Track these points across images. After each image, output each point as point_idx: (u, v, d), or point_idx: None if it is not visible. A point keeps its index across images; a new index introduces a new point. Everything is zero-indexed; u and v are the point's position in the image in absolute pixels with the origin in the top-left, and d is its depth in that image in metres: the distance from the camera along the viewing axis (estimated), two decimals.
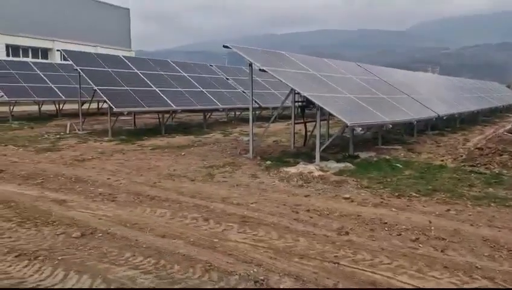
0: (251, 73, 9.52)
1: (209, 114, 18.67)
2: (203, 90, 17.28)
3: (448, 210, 5.76)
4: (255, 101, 17.83)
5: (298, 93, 9.49)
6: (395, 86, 14.57)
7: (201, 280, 3.58)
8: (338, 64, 13.85)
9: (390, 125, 10.70)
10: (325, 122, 12.50)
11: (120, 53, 25.02)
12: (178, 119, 19.97)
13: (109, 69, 14.90)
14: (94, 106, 22.54)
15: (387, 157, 9.94)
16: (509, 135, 14.98)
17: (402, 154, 10.48)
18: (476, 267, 3.90)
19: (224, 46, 9.48)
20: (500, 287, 3.52)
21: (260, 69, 9.14)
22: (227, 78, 20.55)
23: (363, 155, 10.05)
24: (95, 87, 13.68)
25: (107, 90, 13.59)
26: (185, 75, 17.80)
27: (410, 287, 3.50)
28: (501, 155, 10.37)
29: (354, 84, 12.21)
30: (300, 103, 10.42)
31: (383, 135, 13.21)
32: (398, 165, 9.04)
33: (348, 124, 8.22)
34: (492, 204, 6.06)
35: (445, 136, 14.63)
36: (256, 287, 3.45)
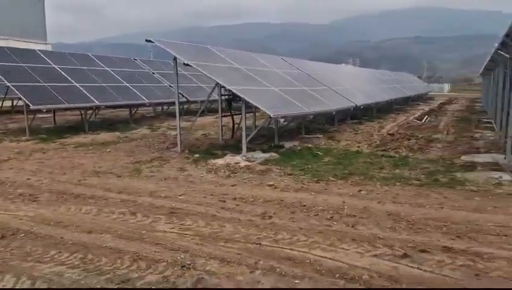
0: (175, 67, 9.56)
1: (135, 109, 18.26)
2: (128, 85, 16.87)
3: (360, 191, 6.37)
4: (182, 95, 17.79)
5: (224, 87, 9.73)
6: (316, 78, 15.38)
7: (129, 269, 3.71)
8: (264, 58, 14.30)
9: (312, 116, 11.36)
10: (252, 114, 12.92)
11: (35, 46, 23.44)
12: (102, 116, 19.26)
13: (24, 64, 13.98)
14: (8, 103, 20.97)
15: (310, 145, 10.57)
16: (417, 121, 16.55)
17: (323, 143, 11.19)
18: (379, 237, 4.45)
19: (147, 41, 9.41)
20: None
21: (185, 63, 9.23)
22: (153, 73, 20.20)
23: (287, 145, 10.58)
24: (8, 84, 12.81)
25: (23, 86, 12.78)
26: (108, 69, 17.21)
27: (328, 259, 3.91)
28: (409, 140, 11.52)
29: (278, 78, 12.73)
30: (227, 97, 10.68)
31: (307, 125, 13.93)
32: (318, 152, 9.68)
33: (272, 116, 8.64)
34: (397, 183, 6.80)
35: (363, 125, 15.78)
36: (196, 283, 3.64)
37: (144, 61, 21.42)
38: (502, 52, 10.43)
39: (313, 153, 9.67)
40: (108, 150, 10.17)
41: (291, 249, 4.12)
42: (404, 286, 3.38)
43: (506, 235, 4.51)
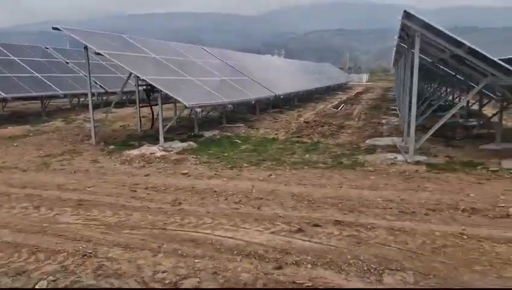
0: (87, 56, 9.22)
1: (48, 101, 17.20)
2: (39, 75, 15.84)
3: (270, 175, 6.72)
4: (101, 86, 17.11)
5: (139, 77, 9.58)
6: (238, 69, 15.62)
7: (26, 261, 3.64)
8: (184, 48, 14.21)
9: (232, 106, 11.59)
10: (173, 105, 12.86)
11: None
12: (11, 109, 17.92)
13: None
14: None
15: (229, 134, 10.80)
16: (333, 109, 17.53)
17: (243, 131, 11.48)
18: (280, 216, 4.78)
19: (54, 28, 8.95)
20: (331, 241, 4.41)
21: (96, 52, 8.94)
22: (67, 62, 19.12)
23: (207, 134, 10.72)
24: None
25: None
26: (16, 59, 16.00)
27: (228, 238, 4.14)
28: (323, 127, 12.22)
29: (198, 68, 12.76)
30: (145, 87, 10.51)
31: (229, 114, 14.16)
32: (237, 140, 9.94)
33: (187, 105, 8.71)
34: (305, 167, 7.27)
35: (283, 113, 16.35)
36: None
37: (57, 50, 20.15)
38: (402, 44, 11.40)
39: (232, 141, 9.92)
40: (15, 144, 9.57)
41: (195, 232, 4.30)
42: (294, 257, 3.71)
43: (390, 208, 5.08)
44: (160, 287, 3.27)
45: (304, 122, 13.02)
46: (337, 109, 17.94)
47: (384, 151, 8.44)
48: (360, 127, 12.22)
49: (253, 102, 13.02)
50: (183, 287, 3.26)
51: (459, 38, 6.82)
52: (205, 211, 5.01)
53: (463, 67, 8.86)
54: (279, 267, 3.52)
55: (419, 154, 7.95)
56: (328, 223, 4.53)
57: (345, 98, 25.69)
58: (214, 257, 3.73)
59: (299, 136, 10.52)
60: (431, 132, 7.70)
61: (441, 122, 7.58)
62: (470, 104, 14.32)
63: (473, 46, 6.69)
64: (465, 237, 4.17)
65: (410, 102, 8.07)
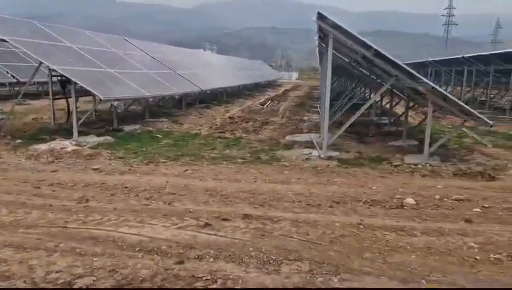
0: None
1: None
2: None
3: (186, 170, 6.68)
4: (12, 76, 15.82)
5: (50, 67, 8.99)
6: (163, 62, 15.27)
7: None
8: (103, 37, 13.56)
9: (152, 99, 11.31)
10: (91, 97, 12.25)
11: None
12: None
13: None
14: None
15: (151, 129, 10.54)
16: (260, 106, 17.83)
17: (166, 126, 11.27)
18: (189, 211, 4.78)
19: None
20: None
21: (1, 39, 8.24)
22: None
23: (127, 128, 10.37)
24: None
25: None
26: None
27: (132, 234, 4.04)
28: (247, 123, 12.37)
29: (119, 59, 12.27)
30: (59, 78, 9.89)
31: (153, 109, 13.83)
32: (158, 135, 9.74)
33: (102, 98, 8.35)
34: (224, 162, 7.32)
35: (210, 109, 16.29)
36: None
37: None
38: (322, 44, 11.89)
39: (153, 136, 9.69)
40: None
41: (97, 229, 4.15)
42: (197, 251, 3.73)
43: (299, 201, 5.29)
44: (52, 287, 3.12)
45: (229, 118, 13.10)
46: (263, 105, 18.26)
47: (301, 147, 8.76)
48: (282, 124, 12.55)
49: (177, 97, 12.81)
50: (76, 287, 3.13)
51: (367, 41, 7.27)
52: (112, 207, 4.86)
53: (374, 68, 9.45)
54: (181, 262, 3.52)
55: (333, 150, 8.37)
56: (236, 217, 4.61)
57: (273, 95, 26.22)
58: (114, 255, 3.63)
59: (221, 132, 10.56)
60: (343, 128, 8.13)
61: (351, 120, 8.03)
62: (384, 104, 15.33)
63: (379, 49, 7.17)
64: (361, 227, 4.47)
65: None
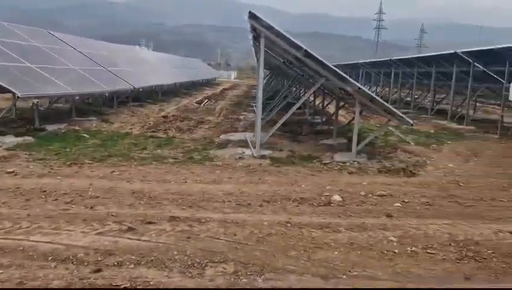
0: None
1: None
2: None
3: (113, 172, 6.36)
4: None
5: None
6: (92, 58, 14.52)
7: None
8: (25, 31, 12.59)
9: (77, 97, 10.70)
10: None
11: None
12: None
13: None
14: None
15: (77, 128, 9.96)
16: (196, 104, 17.59)
17: (94, 125, 10.71)
18: (112, 215, 4.53)
19: None
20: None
21: None
22: None
23: (51, 128, 9.71)
24: None
25: None
26: None
27: (45, 243, 3.74)
28: (182, 121, 12.13)
29: (42, 54, 11.46)
30: None
31: (81, 107, 13.11)
32: (85, 135, 9.22)
33: (19, 95, 7.73)
34: (154, 163, 7.07)
35: (144, 107, 15.77)
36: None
37: None
38: (256, 43, 11.95)
39: (79, 136, 9.16)
40: None
41: (4, 239, 3.80)
42: (117, 257, 3.53)
43: (229, 201, 5.24)
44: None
45: (163, 116, 12.75)
46: (200, 104, 18.04)
47: (235, 146, 8.72)
48: (218, 123, 12.45)
49: (106, 94, 12.24)
50: None
51: (298, 42, 7.39)
52: (26, 214, 4.48)
53: (306, 68, 9.66)
54: (98, 270, 3.31)
55: (267, 148, 8.42)
56: (163, 220, 4.45)
57: (211, 93, 26.00)
58: (22, 266, 3.33)
59: (154, 131, 10.24)
60: (275, 127, 8.22)
61: (283, 119, 8.15)
62: (318, 103, 15.77)
63: (309, 50, 7.32)
64: (289, 225, 4.51)
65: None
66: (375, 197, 5.65)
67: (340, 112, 12.00)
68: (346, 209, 5.12)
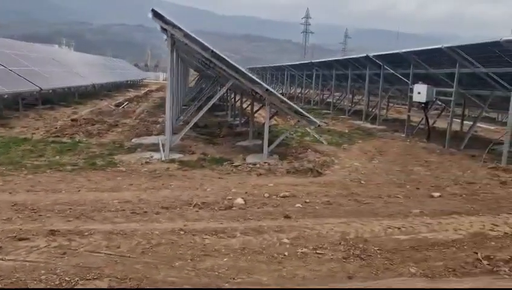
0: None
1: None
2: None
3: None
4: None
5: None
6: None
7: None
8: None
9: None
10: None
11: None
12: None
13: None
14: None
15: None
16: (113, 107, 16.77)
17: None
18: None
19: None
20: None
21: None
22: None
23: None
24: None
25: None
26: None
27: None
28: (93, 125, 11.42)
29: None
30: None
31: None
32: None
33: None
34: (48, 171, 6.50)
35: (55, 110, 14.70)
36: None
37: None
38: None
39: None
40: None
41: None
42: None
43: (123, 210, 4.91)
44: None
45: (72, 120, 11.93)
46: (119, 106, 17.22)
47: (145, 150, 8.33)
48: (133, 126, 11.91)
49: (5, 96, 11.18)
50: None
51: (204, 43, 7.22)
52: None
53: (217, 69, 9.52)
54: None
55: (179, 152, 8.17)
56: (39, 235, 4.03)
57: (133, 95, 25.03)
58: None
59: (58, 136, 9.51)
60: (185, 129, 7.98)
61: (194, 120, 7.95)
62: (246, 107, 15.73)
63: (216, 51, 7.18)
64: (182, 232, 4.30)
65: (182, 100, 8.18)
66: (278, 199, 5.63)
67: (263, 112, 11.99)
68: (246, 213, 5.03)
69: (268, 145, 8.03)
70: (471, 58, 9.85)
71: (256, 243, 4.16)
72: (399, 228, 4.70)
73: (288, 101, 7.64)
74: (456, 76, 10.20)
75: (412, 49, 11.71)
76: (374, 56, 14.23)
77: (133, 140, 9.48)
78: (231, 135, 10.98)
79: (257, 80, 7.35)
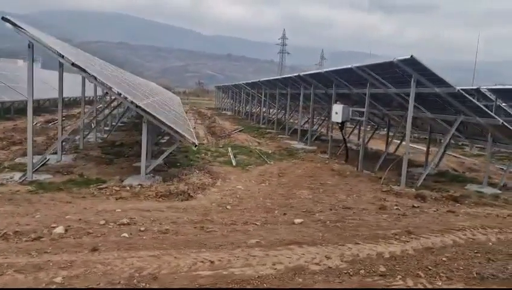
0: None
1: None
2: None
3: None
4: None
5: None
6: None
7: None
8: None
9: None
10: None
11: None
12: None
13: None
14: None
15: None
16: (38, 124, 15.95)
17: None
18: None
19: None
20: None
21: None
22: None
23: None
24: None
25: None
26: None
27: None
28: None
29: None
30: None
31: None
32: None
33: None
34: None
35: None
36: None
37: None
38: None
39: None
40: None
41: None
42: None
43: None
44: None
45: None
46: (48, 123, 16.45)
47: (14, 170, 7.65)
48: (39, 143, 11.16)
49: None
50: None
51: (58, 50, 6.69)
52: None
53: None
54: None
55: (55, 172, 7.56)
56: None
57: (77, 112, 24.20)
58: None
59: None
60: (52, 146, 7.34)
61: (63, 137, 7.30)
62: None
63: (76, 62, 6.64)
64: None
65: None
66: (110, 227, 5.03)
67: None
68: (53, 244, 4.40)
69: (150, 165, 7.49)
70: (381, 78, 9.59)
71: (22, 281, 3.54)
72: (213, 262, 4.14)
73: (163, 120, 7.13)
74: (367, 95, 9.91)
75: (331, 69, 11.45)
76: (305, 75, 13.95)
77: (16, 159, 8.76)
78: (138, 154, 10.35)
79: (128, 96, 6.81)
